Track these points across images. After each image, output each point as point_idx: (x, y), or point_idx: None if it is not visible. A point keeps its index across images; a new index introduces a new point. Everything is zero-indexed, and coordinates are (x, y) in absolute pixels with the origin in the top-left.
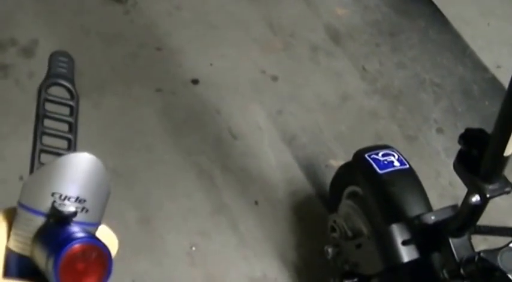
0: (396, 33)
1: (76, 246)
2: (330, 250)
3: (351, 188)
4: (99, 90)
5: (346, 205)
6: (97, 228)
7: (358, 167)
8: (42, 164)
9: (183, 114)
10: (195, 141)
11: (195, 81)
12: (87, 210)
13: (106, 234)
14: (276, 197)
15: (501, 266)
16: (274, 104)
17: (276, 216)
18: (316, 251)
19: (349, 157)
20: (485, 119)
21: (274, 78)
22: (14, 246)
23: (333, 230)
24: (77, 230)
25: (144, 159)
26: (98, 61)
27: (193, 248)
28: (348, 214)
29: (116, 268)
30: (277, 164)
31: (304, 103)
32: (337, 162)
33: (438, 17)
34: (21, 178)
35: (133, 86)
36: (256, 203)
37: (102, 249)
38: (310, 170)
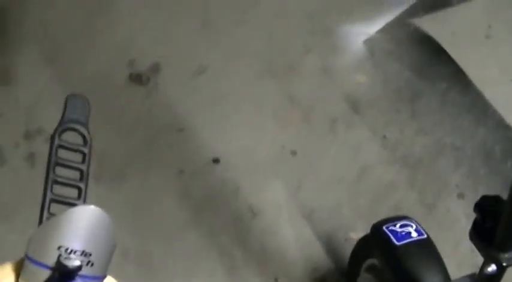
0: (417, 98)
1: None
2: None
3: (369, 261)
4: (120, 173)
5: (364, 278)
6: (102, 281)
7: (375, 240)
8: (51, 214)
9: (205, 195)
10: (216, 221)
11: (216, 160)
12: (92, 264)
13: None
14: (296, 274)
15: None
16: (293, 180)
17: None
18: None
19: (368, 230)
20: (508, 180)
21: (294, 153)
22: None
23: None
24: None
25: (165, 243)
26: (119, 145)
27: None
28: None
29: None
30: (296, 240)
31: (323, 177)
32: (356, 235)
33: (459, 78)
34: None
35: (154, 169)
36: (276, 280)
37: None
38: (330, 245)
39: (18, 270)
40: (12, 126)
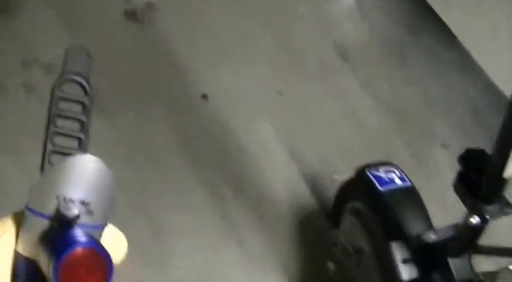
0: (404, 51)
1: (76, 250)
2: (331, 266)
3: (352, 204)
4: (111, 107)
5: (347, 221)
6: (102, 230)
7: (359, 183)
8: (52, 165)
9: (193, 129)
10: (203, 156)
11: (204, 96)
12: (91, 213)
13: (114, 236)
14: (282, 212)
15: None
16: (281, 120)
17: (281, 231)
18: (319, 266)
19: (353, 173)
20: (493, 136)
21: (281, 94)
22: (22, 249)
23: (335, 245)
24: (79, 234)
25: (156, 174)
26: (113, 78)
27: (201, 262)
28: (349, 230)
29: (124, 280)
30: (283, 179)
31: (310, 119)
32: (342, 178)
33: (446, 34)
34: None
35: (145, 102)
36: (261, 218)
37: (102, 254)
38: (316, 186)
39: (18, 222)
40: (9, 56)
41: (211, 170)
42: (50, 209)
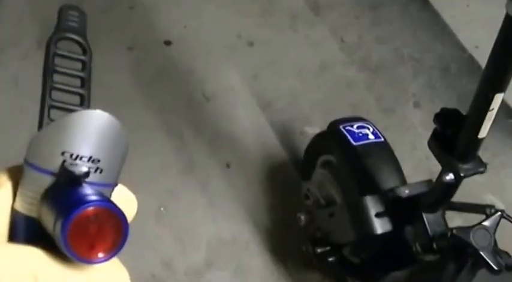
0: (377, 7)
1: (87, 209)
2: (302, 217)
3: (324, 157)
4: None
5: (319, 174)
6: (112, 189)
7: (332, 138)
8: (52, 120)
9: (155, 74)
10: (166, 100)
11: (167, 42)
12: (101, 171)
13: (124, 196)
14: (249, 160)
15: (473, 244)
16: (249, 69)
17: (247, 179)
18: (288, 216)
19: (324, 126)
20: (462, 97)
21: (251, 44)
22: (21, 206)
23: (307, 197)
24: (89, 192)
25: (113, 114)
26: None
27: (162, 209)
28: (321, 182)
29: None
30: (251, 127)
31: (281, 69)
32: (312, 130)
33: None
34: None
35: (104, 43)
36: (228, 165)
37: (117, 213)
38: (285, 136)
39: (16, 178)
40: None
41: (174, 115)
42: (55, 166)
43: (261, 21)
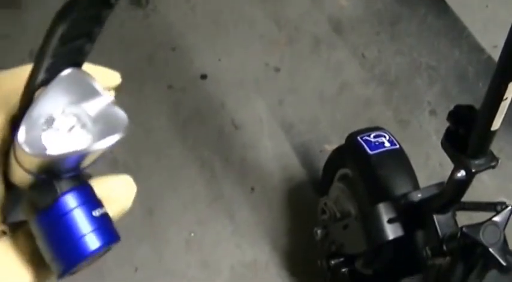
0: (396, 21)
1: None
2: (318, 232)
3: (342, 171)
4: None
5: (336, 188)
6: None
7: (349, 149)
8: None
9: (191, 109)
10: (200, 134)
11: (203, 76)
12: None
13: (122, 181)
14: (272, 183)
15: (483, 241)
16: (275, 96)
17: (269, 202)
18: (307, 235)
19: (343, 142)
20: (478, 100)
21: (277, 71)
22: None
23: (323, 212)
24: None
25: (152, 154)
26: (116, 62)
27: (192, 234)
28: (337, 196)
29: (120, 256)
30: (274, 152)
31: (304, 94)
32: (331, 147)
33: (438, 3)
34: None
35: (147, 85)
36: (252, 190)
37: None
38: (305, 157)
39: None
40: (18, 46)
41: (205, 148)
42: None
43: (287, 49)
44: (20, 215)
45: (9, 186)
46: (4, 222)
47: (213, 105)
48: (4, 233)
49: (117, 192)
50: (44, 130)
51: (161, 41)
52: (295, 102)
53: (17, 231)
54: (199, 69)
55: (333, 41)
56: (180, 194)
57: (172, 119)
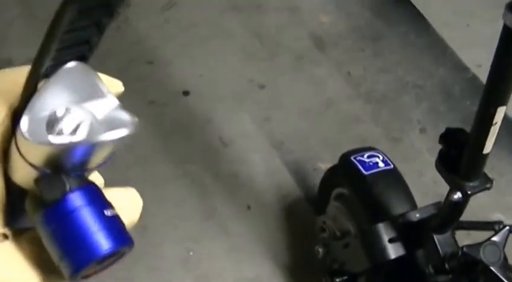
0: (378, 38)
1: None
2: (320, 250)
3: (338, 190)
4: None
5: (333, 206)
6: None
7: (344, 169)
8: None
9: (175, 125)
10: (187, 150)
11: (185, 93)
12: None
13: (129, 195)
14: (267, 201)
15: (484, 260)
16: (261, 112)
17: (267, 219)
18: (306, 252)
19: (336, 160)
20: (467, 118)
21: (262, 87)
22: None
23: (323, 230)
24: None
25: (137, 171)
26: None
27: (191, 253)
28: (335, 215)
29: (116, 276)
30: (266, 169)
31: (291, 110)
32: (325, 165)
33: (419, 21)
34: None
35: (125, 100)
36: (248, 207)
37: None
38: (300, 174)
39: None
40: None
41: (194, 164)
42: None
43: (269, 64)
44: (22, 223)
45: (10, 189)
46: (6, 226)
47: (198, 121)
48: (6, 237)
49: (125, 202)
50: (48, 122)
51: (136, 54)
52: (282, 119)
53: (19, 236)
54: (181, 84)
55: (316, 58)
56: (171, 211)
57: (156, 134)
